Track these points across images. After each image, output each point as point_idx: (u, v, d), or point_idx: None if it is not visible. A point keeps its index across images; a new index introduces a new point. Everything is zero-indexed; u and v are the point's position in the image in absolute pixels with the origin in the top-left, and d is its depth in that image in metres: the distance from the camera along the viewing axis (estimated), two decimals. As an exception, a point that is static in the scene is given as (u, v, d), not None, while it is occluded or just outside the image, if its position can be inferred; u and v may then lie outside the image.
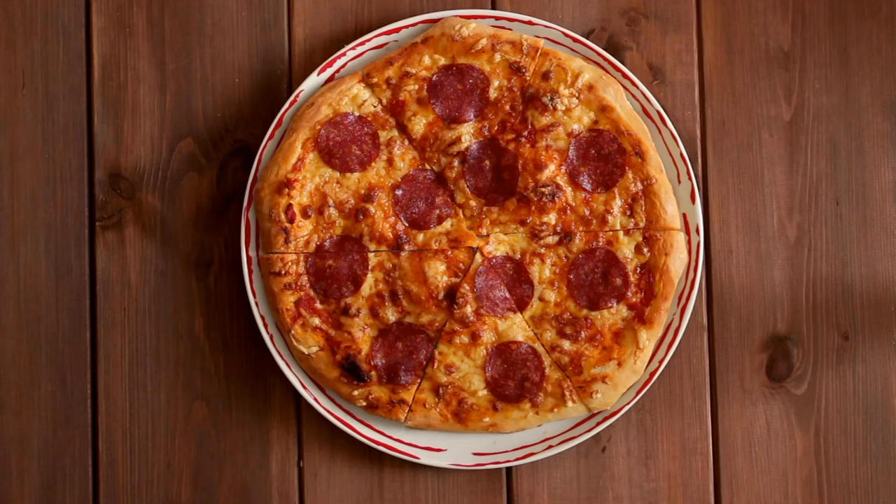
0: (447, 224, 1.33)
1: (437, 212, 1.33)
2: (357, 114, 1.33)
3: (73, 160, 1.37)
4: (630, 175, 1.32)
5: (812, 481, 1.33)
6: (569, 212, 1.32)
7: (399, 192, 1.32)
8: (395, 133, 1.33)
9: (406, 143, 1.33)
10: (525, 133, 1.32)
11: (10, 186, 1.36)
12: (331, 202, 1.32)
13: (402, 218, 1.32)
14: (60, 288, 1.36)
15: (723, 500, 1.33)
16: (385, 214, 1.32)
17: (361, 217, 1.31)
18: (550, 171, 1.31)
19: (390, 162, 1.33)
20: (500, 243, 1.32)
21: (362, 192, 1.32)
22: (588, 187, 1.32)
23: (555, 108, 1.32)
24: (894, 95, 1.36)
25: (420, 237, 1.32)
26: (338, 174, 1.32)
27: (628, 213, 1.32)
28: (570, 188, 1.32)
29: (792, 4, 1.37)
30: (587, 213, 1.32)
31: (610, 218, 1.32)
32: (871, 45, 1.37)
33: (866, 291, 1.34)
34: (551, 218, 1.32)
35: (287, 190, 1.30)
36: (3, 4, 1.37)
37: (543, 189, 1.31)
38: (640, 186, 1.32)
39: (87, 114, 1.37)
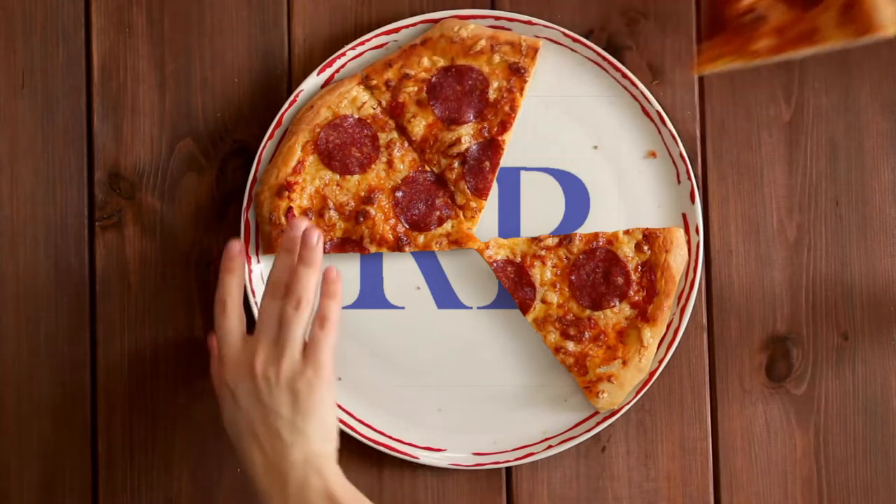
0: (448, 225, 1.32)
1: (438, 213, 1.32)
2: (356, 116, 1.32)
3: (73, 160, 1.36)
4: (630, 174, 1.32)
5: (812, 481, 1.34)
6: (569, 211, 1.32)
7: (399, 194, 1.32)
8: (395, 135, 1.33)
9: (406, 144, 1.33)
10: (525, 133, 1.32)
11: (10, 186, 1.36)
12: (331, 205, 1.32)
13: (403, 220, 1.32)
14: (60, 288, 1.35)
15: (722, 500, 1.34)
16: (385, 216, 1.32)
17: (362, 219, 1.31)
18: (550, 170, 1.32)
19: (390, 164, 1.33)
20: (500, 247, 1.32)
21: (362, 194, 1.32)
22: (588, 186, 1.33)
23: (554, 108, 1.32)
24: (894, 95, 1.36)
25: (420, 239, 1.32)
26: (338, 177, 1.32)
27: (628, 212, 1.32)
28: (569, 187, 1.33)
29: (792, 4, 1.37)
30: (587, 212, 1.32)
31: (610, 217, 1.32)
32: (871, 45, 1.36)
33: (866, 291, 1.34)
34: (551, 218, 1.32)
35: (287, 193, 1.30)
36: (3, 4, 1.37)
37: (543, 189, 1.32)
38: (639, 185, 1.32)
39: (87, 114, 1.37)
